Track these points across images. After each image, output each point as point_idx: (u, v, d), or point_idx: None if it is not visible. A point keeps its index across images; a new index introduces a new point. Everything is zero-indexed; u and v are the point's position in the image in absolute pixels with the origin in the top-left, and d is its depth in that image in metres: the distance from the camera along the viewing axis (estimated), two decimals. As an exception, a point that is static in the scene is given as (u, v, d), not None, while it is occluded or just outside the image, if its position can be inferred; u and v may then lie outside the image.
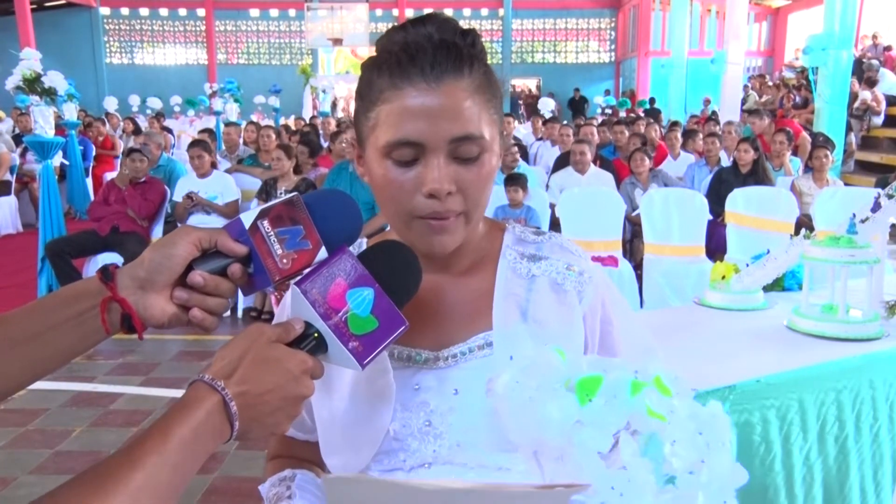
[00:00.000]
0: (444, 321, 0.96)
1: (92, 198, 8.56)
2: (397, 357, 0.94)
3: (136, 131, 11.07)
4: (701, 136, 7.75)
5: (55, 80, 5.77)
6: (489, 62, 0.92)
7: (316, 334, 0.79)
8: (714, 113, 12.20)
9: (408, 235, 0.90)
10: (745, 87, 13.67)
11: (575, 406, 0.77)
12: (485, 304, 0.96)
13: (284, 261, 0.79)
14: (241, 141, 8.15)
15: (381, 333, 0.80)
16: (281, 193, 5.59)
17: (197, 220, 5.80)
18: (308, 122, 11.90)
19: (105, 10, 20.74)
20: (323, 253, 0.81)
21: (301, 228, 0.81)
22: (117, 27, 21.13)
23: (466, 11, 20.56)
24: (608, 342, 1.01)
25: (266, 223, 0.79)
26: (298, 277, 0.80)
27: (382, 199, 0.90)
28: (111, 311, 0.78)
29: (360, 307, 0.79)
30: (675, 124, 9.34)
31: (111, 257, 5.55)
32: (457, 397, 0.92)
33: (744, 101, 12.48)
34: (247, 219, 0.79)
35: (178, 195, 5.94)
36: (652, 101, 16.00)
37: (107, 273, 0.79)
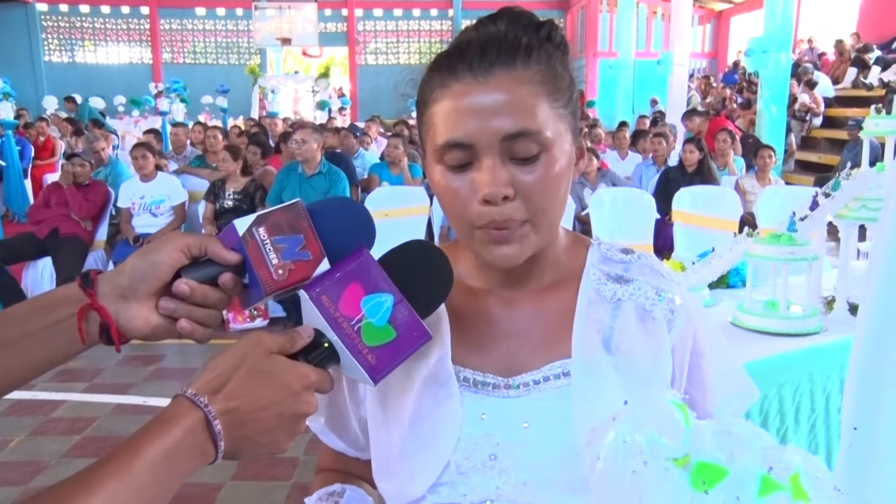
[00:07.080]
0: (517, 344, 0.87)
1: (31, 199, 8.29)
2: (463, 380, 0.85)
3: (77, 132, 10.75)
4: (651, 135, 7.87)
5: (-11, 78, 5.58)
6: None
7: (326, 344, 0.72)
8: (661, 113, 12.43)
9: (472, 246, 0.83)
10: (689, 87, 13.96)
11: (687, 493, 0.64)
12: (564, 327, 0.86)
13: (280, 271, 0.72)
14: (188, 142, 7.99)
15: (400, 345, 0.74)
16: (229, 195, 5.49)
17: (142, 221, 5.66)
18: (257, 122, 11.73)
19: (42, 7, 20.05)
20: (325, 265, 0.74)
21: (301, 237, 0.74)
22: (56, 24, 20.45)
23: (416, 12, 20.45)
24: (697, 376, 0.93)
25: (262, 230, 0.73)
26: (293, 290, 0.74)
27: (444, 207, 0.83)
28: (89, 321, 0.73)
29: (376, 315, 0.73)
30: (623, 125, 9.49)
31: (49, 262, 5.37)
32: (527, 431, 0.82)
33: (688, 103, 12.76)
34: (241, 225, 0.73)
35: (123, 200, 5.74)
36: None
37: (87, 279, 0.73)
